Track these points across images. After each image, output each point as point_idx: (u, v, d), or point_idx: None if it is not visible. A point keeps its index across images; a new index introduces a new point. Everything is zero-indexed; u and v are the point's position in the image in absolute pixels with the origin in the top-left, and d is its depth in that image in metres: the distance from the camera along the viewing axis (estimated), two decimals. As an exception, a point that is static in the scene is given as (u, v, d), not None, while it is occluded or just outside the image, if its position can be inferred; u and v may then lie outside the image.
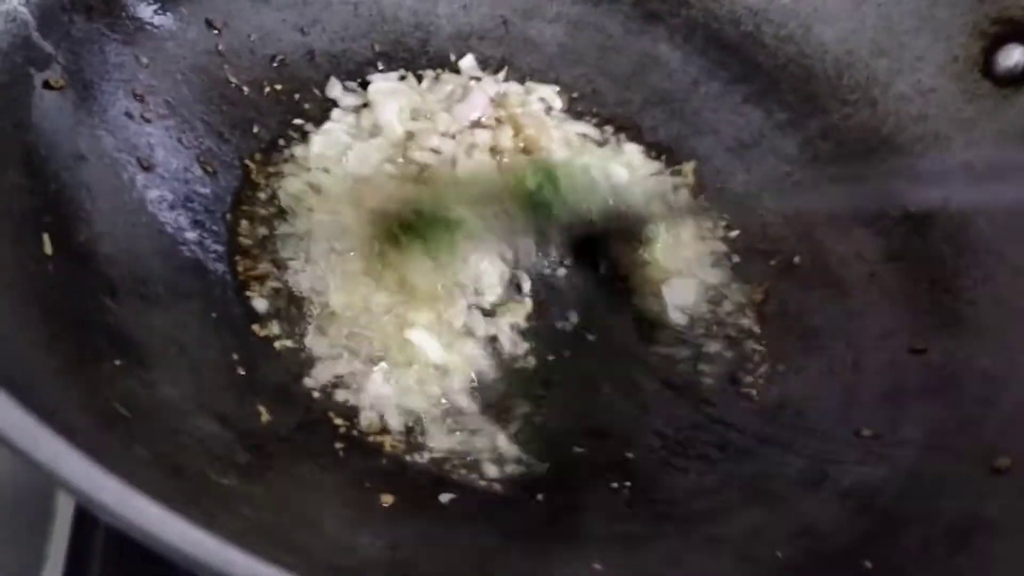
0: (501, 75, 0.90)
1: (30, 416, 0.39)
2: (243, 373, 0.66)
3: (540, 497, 0.66)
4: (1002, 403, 0.68)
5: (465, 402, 0.69)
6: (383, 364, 0.69)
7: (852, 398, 0.73)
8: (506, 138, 0.83)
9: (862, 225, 0.83)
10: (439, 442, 0.67)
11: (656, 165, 0.88)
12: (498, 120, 0.84)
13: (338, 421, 0.66)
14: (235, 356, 0.67)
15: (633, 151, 0.88)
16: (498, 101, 0.86)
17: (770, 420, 0.73)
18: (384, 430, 0.67)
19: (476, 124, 0.84)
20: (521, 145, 0.83)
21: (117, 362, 0.58)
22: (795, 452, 0.70)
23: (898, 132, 0.84)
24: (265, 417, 0.64)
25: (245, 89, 0.82)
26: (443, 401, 0.69)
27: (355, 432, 0.66)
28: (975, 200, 0.79)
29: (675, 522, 0.66)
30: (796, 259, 0.82)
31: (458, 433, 0.67)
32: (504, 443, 0.68)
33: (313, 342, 0.70)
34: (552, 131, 0.85)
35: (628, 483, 0.68)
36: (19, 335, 0.52)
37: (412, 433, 0.67)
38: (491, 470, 0.67)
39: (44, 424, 0.38)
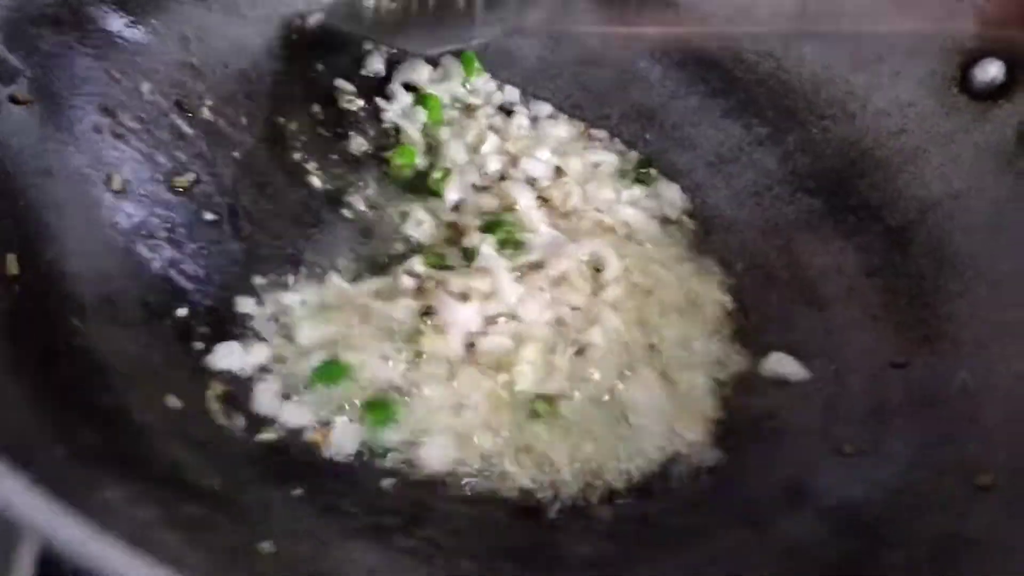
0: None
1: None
2: (216, 394, 0.65)
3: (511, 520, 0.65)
4: (983, 419, 0.67)
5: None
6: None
7: (834, 413, 0.73)
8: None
9: (841, 239, 0.83)
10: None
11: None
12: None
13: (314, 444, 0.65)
14: (208, 378, 0.65)
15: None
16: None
17: (751, 434, 0.73)
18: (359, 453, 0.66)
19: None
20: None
21: (87, 387, 0.56)
22: (777, 468, 0.70)
23: (876, 146, 0.84)
24: (239, 436, 0.63)
25: (218, 103, 0.81)
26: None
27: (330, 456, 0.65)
28: (953, 214, 0.79)
29: (656, 546, 0.65)
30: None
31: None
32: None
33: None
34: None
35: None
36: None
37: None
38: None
39: (7, 464, 0.37)
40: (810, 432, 0.71)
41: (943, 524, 0.62)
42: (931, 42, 0.82)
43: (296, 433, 0.65)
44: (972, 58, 0.81)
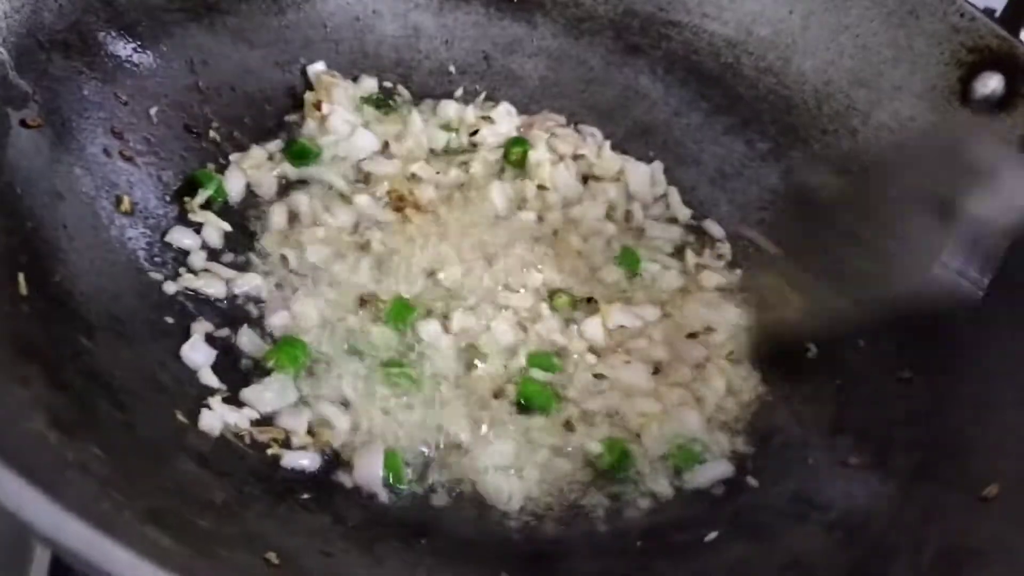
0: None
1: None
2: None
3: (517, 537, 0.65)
4: (987, 431, 0.67)
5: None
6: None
7: (839, 427, 0.73)
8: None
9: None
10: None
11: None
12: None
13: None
14: (215, 393, 0.66)
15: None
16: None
17: (757, 449, 0.73)
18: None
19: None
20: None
21: (95, 404, 0.57)
22: (782, 482, 0.70)
23: (879, 161, 0.84)
24: (245, 452, 0.63)
25: (224, 126, 0.82)
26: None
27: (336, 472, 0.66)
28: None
29: (661, 558, 0.65)
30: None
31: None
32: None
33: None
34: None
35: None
36: (-8, 378, 0.51)
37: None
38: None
39: (18, 474, 0.38)
40: (815, 445, 0.71)
41: (948, 536, 0.62)
42: (931, 56, 0.83)
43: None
44: (972, 71, 0.81)
